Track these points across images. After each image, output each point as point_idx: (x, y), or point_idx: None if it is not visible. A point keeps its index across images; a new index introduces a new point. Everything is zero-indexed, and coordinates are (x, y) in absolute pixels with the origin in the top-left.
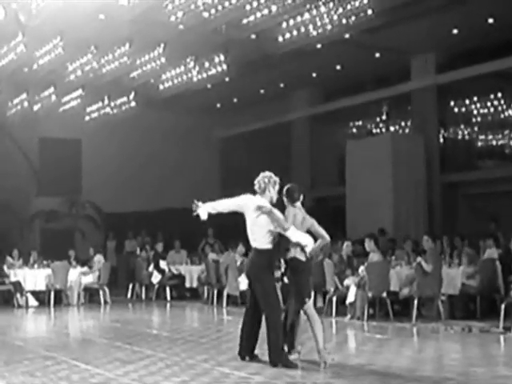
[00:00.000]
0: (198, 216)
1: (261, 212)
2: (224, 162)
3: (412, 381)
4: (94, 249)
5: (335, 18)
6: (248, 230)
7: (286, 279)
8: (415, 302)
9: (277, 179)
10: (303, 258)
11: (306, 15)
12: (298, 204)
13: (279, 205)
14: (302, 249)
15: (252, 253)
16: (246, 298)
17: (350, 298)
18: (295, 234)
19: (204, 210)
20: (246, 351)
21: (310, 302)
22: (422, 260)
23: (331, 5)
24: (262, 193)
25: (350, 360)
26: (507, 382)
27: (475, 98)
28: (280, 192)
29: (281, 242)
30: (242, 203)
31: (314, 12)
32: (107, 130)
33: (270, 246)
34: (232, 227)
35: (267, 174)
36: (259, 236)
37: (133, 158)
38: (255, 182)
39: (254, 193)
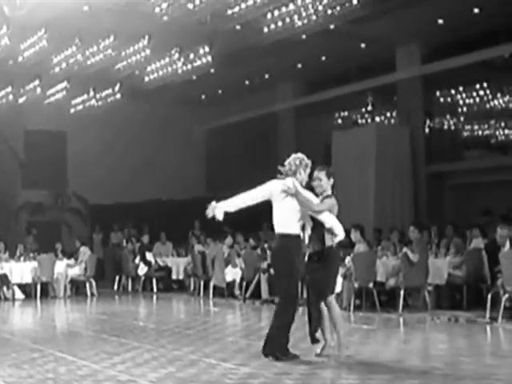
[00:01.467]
0: (213, 218)
1: (287, 194)
2: (210, 153)
3: (399, 371)
4: (80, 240)
5: (320, 8)
6: (274, 215)
7: (271, 271)
8: (402, 292)
9: (309, 162)
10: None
11: (291, 6)
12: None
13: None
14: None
15: (277, 239)
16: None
17: (337, 289)
18: (330, 219)
19: (220, 209)
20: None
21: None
22: (408, 250)
23: None
24: (292, 175)
25: (336, 351)
26: (494, 371)
27: (461, 88)
28: (310, 176)
29: (315, 230)
30: (271, 188)
31: (299, 2)
32: (92, 122)
33: (298, 232)
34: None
35: (299, 155)
36: (285, 220)
37: (118, 150)
38: (286, 163)
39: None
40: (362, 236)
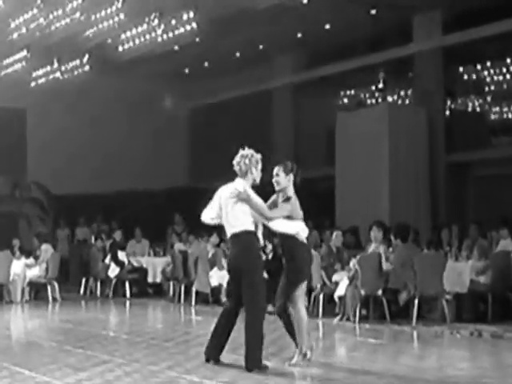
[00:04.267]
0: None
1: (238, 198)
2: (193, 136)
3: None
4: (41, 237)
5: None
6: (224, 220)
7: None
8: (415, 301)
9: (259, 157)
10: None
11: None
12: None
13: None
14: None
15: (233, 240)
16: (227, 295)
17: (340, 291)
18: (280, 225)
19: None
20: (213, 353)
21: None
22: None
23: None
24: (243, 175)
25: (338, 368)
26: None
27: (488, 63)
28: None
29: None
30: (219, 195)
31: None
32: (57, 98)
33: (252, 228)
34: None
35: (247, 152)
36: (237, 219)
37: (87, 131)
38: (234, 163)
39: (232, 174)
40: (384, 237)
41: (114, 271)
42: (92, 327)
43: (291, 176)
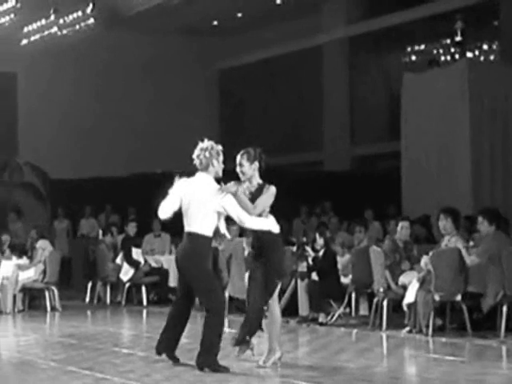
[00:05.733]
0: None
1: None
2: (224, 104)
3: None
4: (37, 231)
5: None
6: (184, 215)
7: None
8: (504, 308)
9: (219, 148)
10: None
11: None
12: None
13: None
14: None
15: (188, 239)
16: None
17: (409, 299)
18: (255, 223)
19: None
20: (165, 347)
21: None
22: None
23: None
24: (204, 169)
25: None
26: None
27: None
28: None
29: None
30: (181, 194)
31: None
32: (54, 59)
33: (211, 234)
34: None
35: (206, 144)
36: (202, 220)
37: (92, 101)
38: (193, 156)
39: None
40: (454, 226)
41: (127, 273)
42: (101, 343)
43: (256, 164)
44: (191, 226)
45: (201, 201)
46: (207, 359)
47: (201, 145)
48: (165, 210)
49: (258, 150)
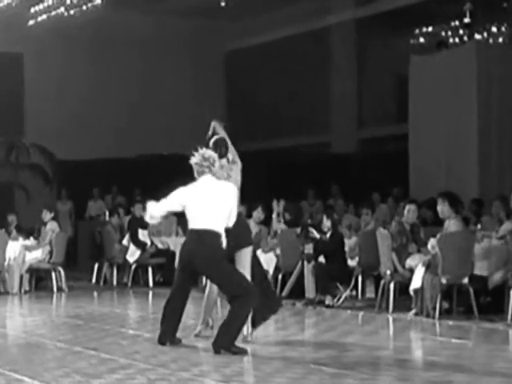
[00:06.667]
0: None
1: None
2: (231, 87)
3: None
4: (48, 210)
5: None
6: (208, 208)
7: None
8: (511, 292)
9: (215, 156)
10: None
11: None
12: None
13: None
14: None
15: (205, 235)
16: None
17: (416, 284)
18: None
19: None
20: (167, 337)
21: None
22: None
23: None
24: (201, 175)
25: (413, 374)
26: None
27: None
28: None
29: None
30: (188, 199)
31: None
32: (61, 40)
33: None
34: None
35: (207, 155)
36: (222, 217)
37: (98, 81)
38: (193, 162)
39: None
40: (452, 209)
41: (133, 255)
42: (107, 324)
43: (218, 162)
44: (206, 223)
45: (217, 199)
46: (226, 342)
47: (202, 154)
48: (156, 216)
49: (209, 144)
